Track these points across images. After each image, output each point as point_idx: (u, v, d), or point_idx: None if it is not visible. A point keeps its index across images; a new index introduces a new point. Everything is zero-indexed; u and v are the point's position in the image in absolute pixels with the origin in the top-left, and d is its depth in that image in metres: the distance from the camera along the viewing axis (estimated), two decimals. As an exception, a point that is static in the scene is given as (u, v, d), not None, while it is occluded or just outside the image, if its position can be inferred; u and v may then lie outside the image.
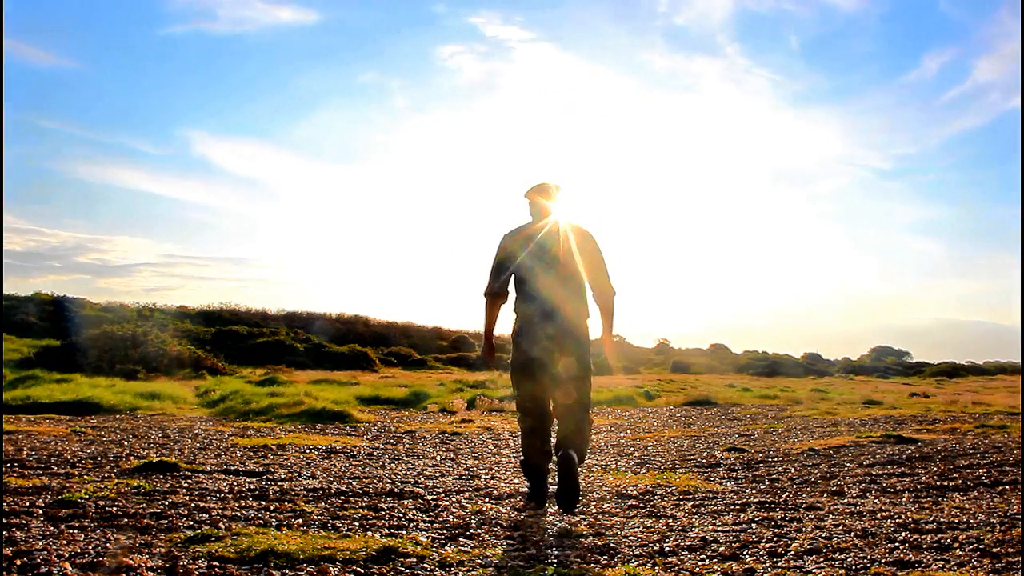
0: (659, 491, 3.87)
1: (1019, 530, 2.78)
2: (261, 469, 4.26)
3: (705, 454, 5.49)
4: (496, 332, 3.71)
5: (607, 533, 2.93)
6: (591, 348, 3.62)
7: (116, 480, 3.75)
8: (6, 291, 27.01)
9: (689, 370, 30.85)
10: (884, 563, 2.43)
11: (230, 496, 3.44)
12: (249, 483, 3.79)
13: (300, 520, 2.99)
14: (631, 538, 2.83)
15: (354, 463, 4.74)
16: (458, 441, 6.17)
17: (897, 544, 2.67)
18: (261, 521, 2.95)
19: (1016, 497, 3.56)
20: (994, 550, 2.53)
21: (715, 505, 3.49)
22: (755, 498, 3.66)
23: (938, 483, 4.03)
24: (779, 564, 2.45)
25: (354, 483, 3.88)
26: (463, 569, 2.40)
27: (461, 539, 2.79)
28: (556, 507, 3.38)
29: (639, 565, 2.47)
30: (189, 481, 3.80)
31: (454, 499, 3.54)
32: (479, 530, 2.93)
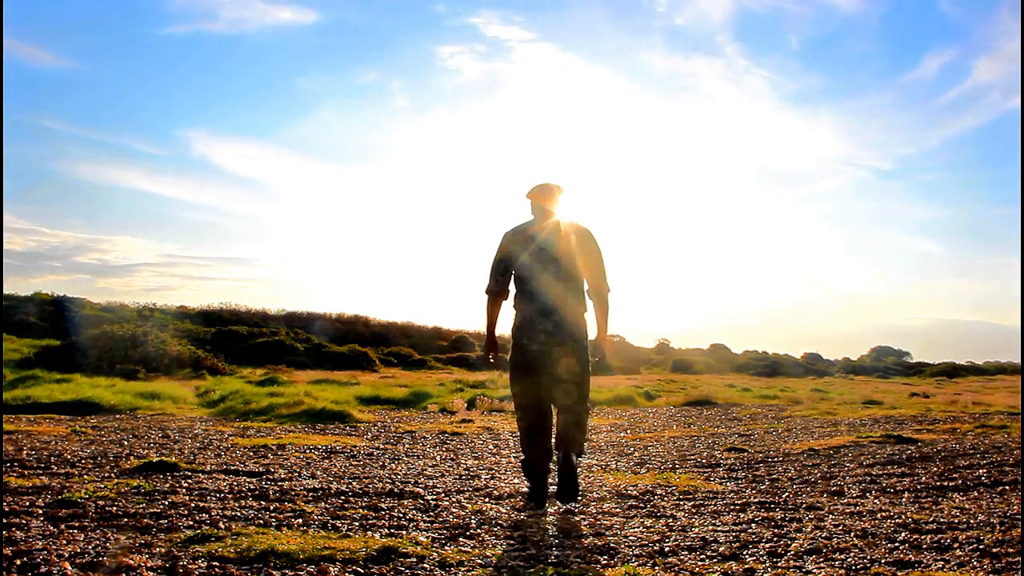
0: (659, 491, 3.87)
1: (1019, 530, 2.78)
2: (261, 469, 4.26)
3: (705, 454, 5.49)
4: (497, 329, 3.74)
5: (607, 533, 2.93)
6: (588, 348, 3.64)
7: (116, 480, 3.75)
8: (6, 291, 27.02)
9: (689, 370, 30.85)
10: (884, 563, 2.43)
11: (230, 496, 3.44)
12: (249, 483, 3.79)
13: (300, 520, 3.00)
14: (631, 538, 2.83)
15: (354, 463, 4.74)
16: (458, 441, 6.17)
17: (897, 544, 2.67)
18: (261, 521, 2.95)
19: (1016, 497, 3.56)
20: (994, 550, 2.53)
21: (715, 505, 3.49)
22: (755, 498, 3.66)
23: (938, 483, 4.02)
24: (779, 564, 2.45)
25: (354, 483, 3.88)
26: (463, 569, 2.40)
27: (461, 539, 2.79)
28: (557, 506, 3.38)
29: (639, 565, 2.47)
30: (189, 481, 3.80)
31: (454, 499, 3.54)
32: (479, 530, 2.93)
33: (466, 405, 9.75)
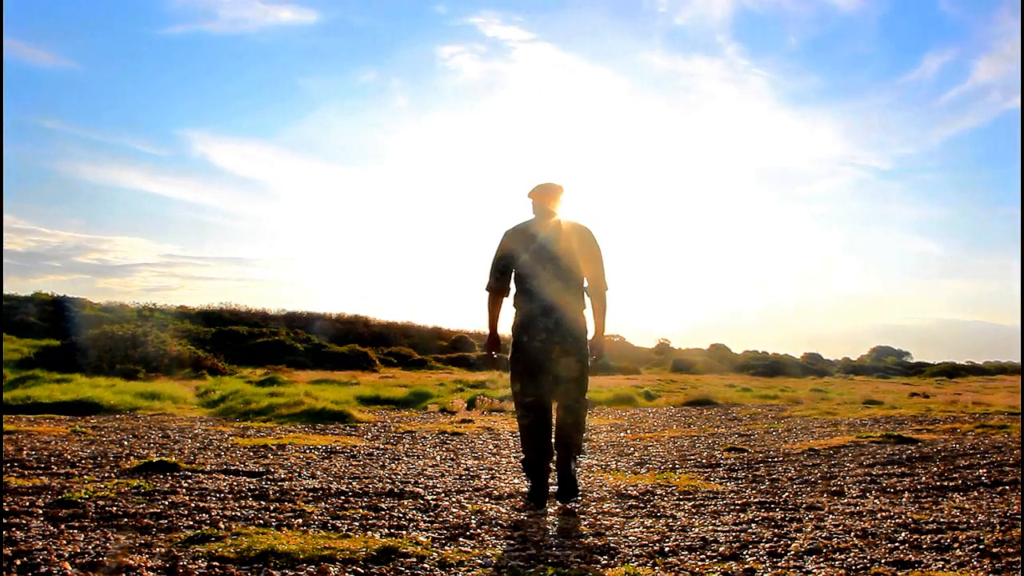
0: (659, 491, 3.87)
1: (1019, 530, 2.78)
2: (261, 469, 4.26)
3: (705, 454, 5.49)
4: (498, 326, 3.77)
5: (607, 533, 2.93)
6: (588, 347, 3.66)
7: (116, 480, 3.75)
8: (6, 291, 27.03)
9: (689, 370, 30.83)
10: (884, 563, 2.43)
11: (230, 496, 3.44)
12: (249, 483, 3.79)
13: (300, 520, 3.00)
14: (631, 538, 2.83)
15: (354, 463, 4.74)
16: (458, 441, 6.17)
17: (897, 544, 2.67)
18: (261, 521, 2.95)
19: (1016, 497, 3.56)
20: (994, 550, 2.53)
21: (715, 505, 3.49)
22: (755, 498, 3.66)
23: (938, 483, 4.03)
24: (779, 564, 2.45)
25: (354, 483, 3.88)
26: (463, 569, 2.40)
27: (461, 539, 2.79)
28: (557, 506, 3.38)
29: (639, 565, 2.47)
30: (189, 481, 3.80)
31: (454, 499, 3.54)
32: (479, 530, 2.93)
33: (466, 405, 9.75)
